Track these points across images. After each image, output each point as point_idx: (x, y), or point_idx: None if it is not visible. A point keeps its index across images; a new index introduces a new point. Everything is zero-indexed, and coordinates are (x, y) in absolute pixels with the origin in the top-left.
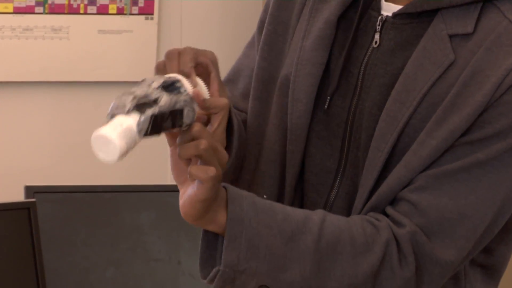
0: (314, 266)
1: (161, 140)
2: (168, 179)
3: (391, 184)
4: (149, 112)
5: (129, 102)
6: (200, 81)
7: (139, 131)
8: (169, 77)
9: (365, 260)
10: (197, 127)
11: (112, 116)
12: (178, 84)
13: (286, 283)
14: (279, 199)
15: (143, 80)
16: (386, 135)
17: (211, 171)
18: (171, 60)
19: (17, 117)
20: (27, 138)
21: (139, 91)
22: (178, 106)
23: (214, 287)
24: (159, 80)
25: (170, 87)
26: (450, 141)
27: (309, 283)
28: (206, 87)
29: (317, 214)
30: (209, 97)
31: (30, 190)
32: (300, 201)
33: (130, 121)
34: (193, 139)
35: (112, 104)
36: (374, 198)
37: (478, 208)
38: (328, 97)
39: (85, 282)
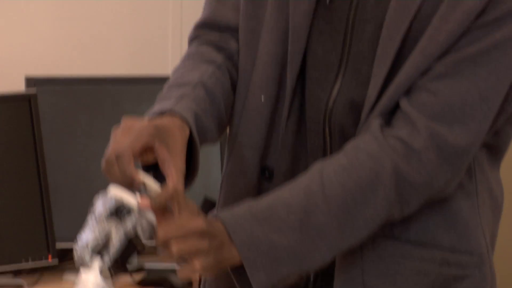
0: (336, 234)
1: (163, 32)
2: (170, 70)
3: (409, 71)
4: (106, 260)
5: (87, 255)
6: (147, 180)
7: (105, 280)
8: (109, 202)
9: (377, 197)
10: (159, 234)
11: (79, 265)
12: (121, 208)
13: (320, 262)
14: (277, 100)
15: (91, 213)
16: (397, 23)
17: (195, 267)
18: (110, 170)
19: (19, 6)
20: (28, 28)
21: (90, 237)
22: (129, 235)
23: None
24: (101, 214)
25: (114, 215)
26: (466, 23)
27: (340, 247)
28: (154, 182)
29: (315, 180)
30: (160, 189)
31: (31, 81)
32: (299, 101)
33: (93, 278)
34: (164, 243)
35: (76, 253)
36: (392, 87)
37: (498, 89)
38: None
39: (86, 172)
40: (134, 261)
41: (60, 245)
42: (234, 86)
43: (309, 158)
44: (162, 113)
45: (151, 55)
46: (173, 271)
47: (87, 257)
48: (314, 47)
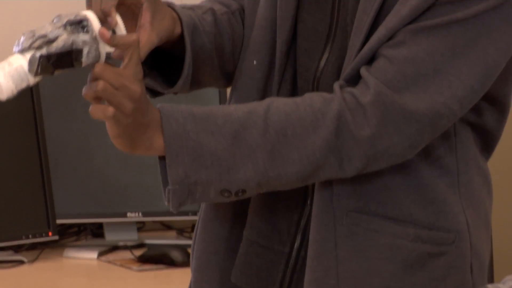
0: (267, 157)
1: None
2: None
3: (372, 43)
4: (39, 52)
5: (26, 41)
6: (119, 20)
7: (29, 70)
8: (77, 16)
9: (318, 136)
10: (97, 67)
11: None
12: (85, 23)
13: (243, 181)
14: (270, 65)
15: (57, 16)
16: None
17: (108, 111)
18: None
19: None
20: (28, 9)
21: (41, 30)
22: (76, 46)
23: (173, 207)
24: (65, 19)
25: (76, 26)
26: (431, 1)
27: (266, 174)
28: (123, 26)
29: (262, 105)
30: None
31: None
32: (292, 67)
33: (21, 61)
34: (96, 79)
35: (22, 36)
36: (356, 59)
37: (454, 65)
38: None
39: (86, 147)
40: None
41: (60, 221)
42: (240, 35)
43: None
44: None
45: None
46: (174, 247)
47: (25, 43)
48: (303, 15)
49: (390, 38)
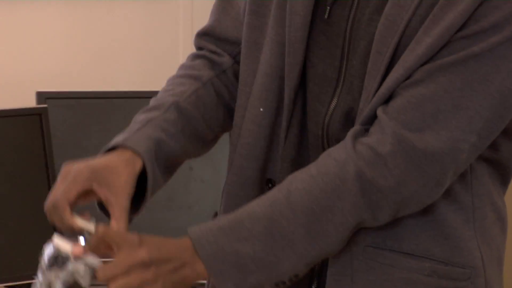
0: (304, 241)
1: (173, 48)
2: None
3: (389, 83)
4: None
5: None
6: (83, 224)
7: None
8: (52, 250)
9: (344, 202)
10: (99, 276)
11: None
12: (59, 257)
13: (291, 270)
14: (277, 111)
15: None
16: (386, 38)
17: None
18: (51, 218)
19: (30, 23)
20: (39, 44)
21: (36, 281)
22: (69, 281)
23: None
24: (45, 260)
25: (55, 263)
26: (446, 37)
27: (310, 255)
28: (92, 224)
29: (282, 191)
30: (96, 230)
31: (41, 96)
32: (300, 113)
33: None
34: (106, 280)
35: None
36: (374, 100)
37: (473, 100)
38: (328, 7)
39: None
40: None
41: None
42: (224, 101)
43: None
44: (114, 147)
45: (161, 70)
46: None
47: None
48: (314, 60)
49: (407, 78)
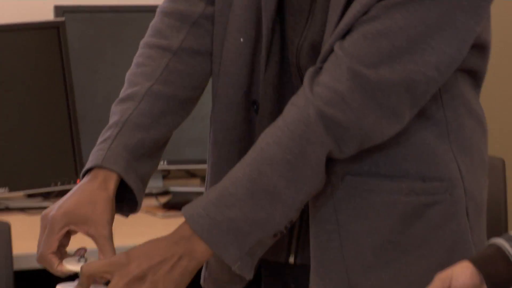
0: (288, 191)
1: None
2: None
3: (346, 19)
4: None
5: None
6: (73, 267)
7: None
8: None
9: (314, 145)
10: None
11: None
12: None
13: (284, 219)
14: (257, 41)
15: None
16: None
17: None
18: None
19: None
20: None
21: None
22: None
23: (248, 275)
24: None
25: None
26: None
27: (298, 200)
28: (78, 264)
29: (255, 150)
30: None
31: (59, 10)
32: (279, 42)
33: None
34: None
35: None
36: (332, 36)
37: (427, 35)
38: None
39: (112, 100)
40: None
41: None
42: (204, 51)
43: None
44: (91, 168)
45: None
46: (198, 194)
47: None
48: None
49: (364, 14)
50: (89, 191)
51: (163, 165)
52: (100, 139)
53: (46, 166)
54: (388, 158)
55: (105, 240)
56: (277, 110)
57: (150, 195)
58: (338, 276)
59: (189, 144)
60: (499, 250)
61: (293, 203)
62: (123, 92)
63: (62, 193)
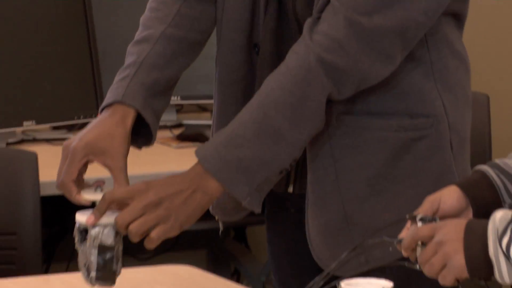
0: (292, 131)
1: None
2: None
3: None
4: (92, 276)
5: (84, 273)
6: (90, 196)
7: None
8: (77, 229)
9: (315, 88)
10: (121, 232)
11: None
12: (84, 231)
13: (289, 156)
14: (254, 3)
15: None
16: None
17: (155, 237)
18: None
19: None
20: None
21: (81, 265)
22: (98, 247)
23: (257, 209)
24: (77, 240)
25: (80, 235)
26: None
27: (301, 138)
28: (98, 193)
29: (261, 94)
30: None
31: None
32: (276, 7)
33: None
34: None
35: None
36: None
37: None
38: None
39: (131, 38)
40: (116, 266)
41: None
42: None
43: (294, 41)
44: (110, 104)
45: None
46: (209, 127)
47: (85, 274)
48: None
49: None
50: (108, 126)
51: (176, 100)
52: (117, 77)
53: (70, 101)
54: (378, 97)
55: (120, 171)
56: (276, 51)
57: (165, 127)
58: (335, 207)
59: (201, 81)
60: (484, 175)
61: (296, 142)
62: (138, 35)
63: (84, 125)
